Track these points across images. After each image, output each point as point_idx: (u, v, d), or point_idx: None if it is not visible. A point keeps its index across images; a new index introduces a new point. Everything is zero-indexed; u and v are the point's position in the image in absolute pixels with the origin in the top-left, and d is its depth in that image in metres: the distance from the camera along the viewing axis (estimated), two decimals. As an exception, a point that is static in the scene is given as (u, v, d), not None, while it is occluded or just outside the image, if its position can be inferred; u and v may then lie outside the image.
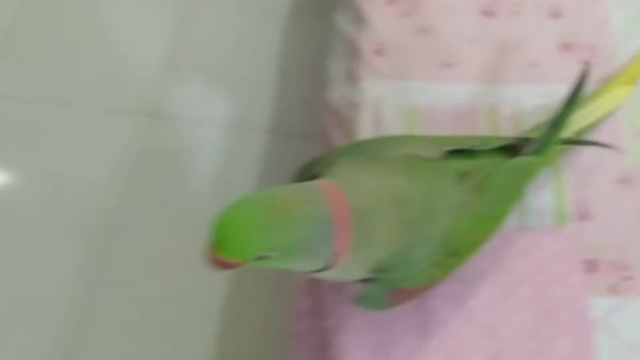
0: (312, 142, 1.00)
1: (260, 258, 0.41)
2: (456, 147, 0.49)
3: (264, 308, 0.89)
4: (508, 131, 0.59)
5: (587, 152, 0.58)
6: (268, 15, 1.15)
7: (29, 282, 0.92)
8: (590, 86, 0.57)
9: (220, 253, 0.40)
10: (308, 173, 0.49)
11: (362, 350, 0.51)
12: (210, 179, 1.00)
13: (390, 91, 0.63)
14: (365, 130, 0.60)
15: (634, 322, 0.51)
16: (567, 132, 0.55)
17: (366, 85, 0.63)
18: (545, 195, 0.57)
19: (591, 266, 0.54)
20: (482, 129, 0.60)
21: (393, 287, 0.45)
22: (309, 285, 0.57)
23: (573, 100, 0.51)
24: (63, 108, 1.08)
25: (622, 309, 0.52)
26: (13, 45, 1.15)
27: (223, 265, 0.41)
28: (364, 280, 0.46)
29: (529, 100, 0.62)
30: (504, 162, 0.50)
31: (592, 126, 0.59)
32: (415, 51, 0.65)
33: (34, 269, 0.92)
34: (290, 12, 1.15)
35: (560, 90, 0.54)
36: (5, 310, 0.89)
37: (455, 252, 0.46)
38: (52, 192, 0.99)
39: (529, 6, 0.68)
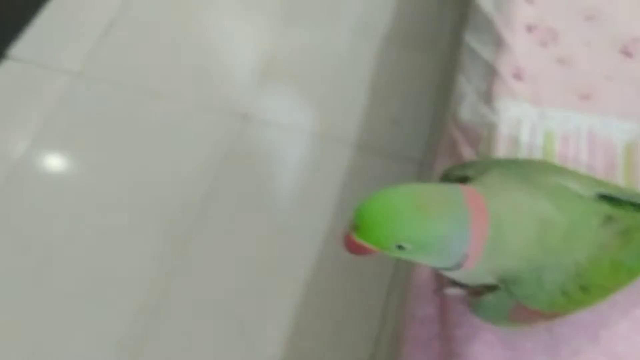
0: (396, 161, 1.02)
1: (396, 248, 0.41)
2: (608, 192, 0.49)
3: (339, 310, 0.89)
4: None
5: None
6: (364, 35, 1.18)
7: (112, 263, 0.93)
8: None
9: (361, 237, 0.41)
10: (455, 175, 0.50)
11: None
12: (293, 185, 1.01)
13: (528, 114, 0.64)
14: (501, 149, 0.61)
15: None
16: None
17: (503, 106, 0.64)
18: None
19: None
20: (619, 163, 0.60)
21: (517, 302, 0.45)
22: (433, 292, 0.57)
23: None
24: (160, 100, 1.11)
25: None
26: (119, 34, 1.20)
27: (360, 249, 0.42)
28: (489, 289, 0.46)
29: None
30: None
31: None
32: (553, 79, 0.66)
33: (118, 251, 0.94)
34: (386, 36, 1.18)
35: None
36: (87, 287, 0.91)
37: (586, 287, 0.46)
38: (143, 178, 1.02)
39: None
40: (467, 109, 0.67)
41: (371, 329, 0.88)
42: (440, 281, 0.56)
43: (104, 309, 0.90)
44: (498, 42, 0.69)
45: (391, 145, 1.04)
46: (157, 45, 1.19)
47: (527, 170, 0.49)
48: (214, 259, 0.94)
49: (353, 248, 0.43)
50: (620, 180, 0.59)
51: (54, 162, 1.07)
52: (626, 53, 0.68)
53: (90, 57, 1.17)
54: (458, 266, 0.44)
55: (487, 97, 0.66)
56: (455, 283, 0.53)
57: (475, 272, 0.44)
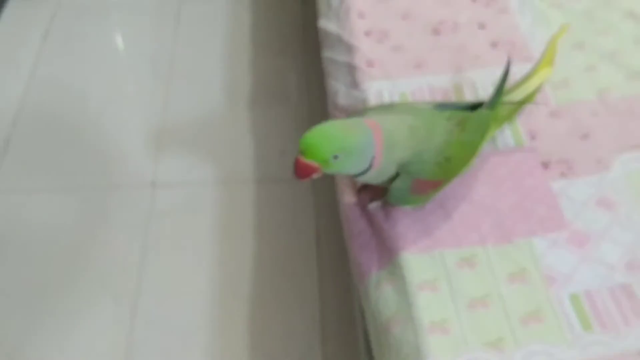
0: (291, 185, 1.24)
1: (332, 160, 0.64)
2: (443, 103, 0.75)
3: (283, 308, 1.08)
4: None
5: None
6: (234, 94, 1.43)
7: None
8: (522, 70, 0.86)
9: (307, 157, 0.63)
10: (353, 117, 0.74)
11: (412, 233, 0.73)
12: (214, 228, 1.21)
13: (385, 87, 0.90)
14: (374, 111, 0.86)
15: (580, 190, 0.77)
16: (514, 99, 0.83)
17: (367, 86, 0.90)
18: (506, 132, 0.84)
19: (545, 164, 0.80)
20: (452, 97, 0.88)
21: (412, 178, 0.68)
22: (360, 214, 0.79)
23: (504, 78, 0.78)
24: (72, 194, 1.28)
25: (571, 184, 0.78)
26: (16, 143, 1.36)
27: (307, 169, 0.64)
28: (393, 182, 0.70)
29: (479, 79, 0.90)
30: (472, 112, 0.76)
31: (531, 96, 0.86)
32: (394, 61, 0.93)
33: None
34: (252, 97, 1.43)
35: (496, 72, 0.82)
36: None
37: (448, 158, 0.70)
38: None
39: (463, 24, 0.98)
40: (343, 97, 0.92)
41: (313, 310, 1.08)
42: (363, 204, 0.79)
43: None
44: (349, 48, 0.96)
45: (284, 172, 1.27)
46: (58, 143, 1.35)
47: (392, 106, 0.74)
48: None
49: (302, 168, 0.64)
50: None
51: None
52: (436, 32, 0.97)
53: None
54: (370, 167, 0.66)
55: (354, 85, 0.91)
56: (367, 192, 0.76)
57: (381, 168, 0.68)
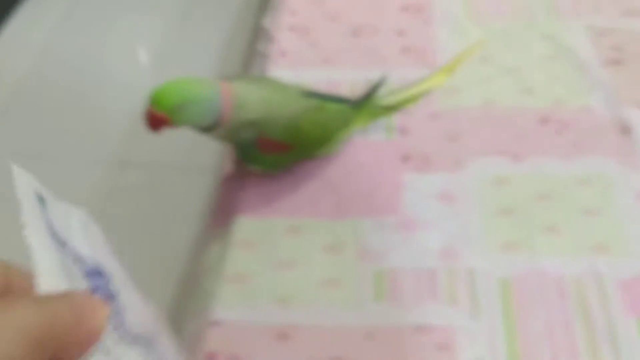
0: None
1: (177, 109, 0.70)
2: (315, 92, 0.81)
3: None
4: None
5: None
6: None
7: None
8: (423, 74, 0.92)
9: (155, 108, 0.70)
10: None
11: (255, 200, 0.79)
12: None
13: (288, 75, 0.96)
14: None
15: (428, 184, 0.81)
16: (394, 100, 0.88)
17: (272, 73, 0.97)
18: (380, 125, 0.88)
19: (405, 158, 0.84)
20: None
21: (259, 133, 0.74)
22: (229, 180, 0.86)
23: (375, 86, 0.84)
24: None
25: (421, 178, 0.82)
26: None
27: (156, 119, 0.70)
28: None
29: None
30: (335, 103, 0.82)
31: (415, 97, 0.91)
32: (304, 55, 1.00)
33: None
34: None
35: (396, 75, 0.88)
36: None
37: (299, 127, 0.76)
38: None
39: (384, 30, 1.03)
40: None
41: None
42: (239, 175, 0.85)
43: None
44: (270, 40, 1.03)
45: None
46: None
47: (260, 79, 0.80)
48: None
49: (151, 119, 0.71)
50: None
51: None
52: (355, 34, 1.03)
53: None
54: (219, 122, 0.72)
55: (262, 72, 0.99)
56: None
57: (231, 127, 0.73)
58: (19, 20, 1.90)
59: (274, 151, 0.77)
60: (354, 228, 0.76)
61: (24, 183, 0.29)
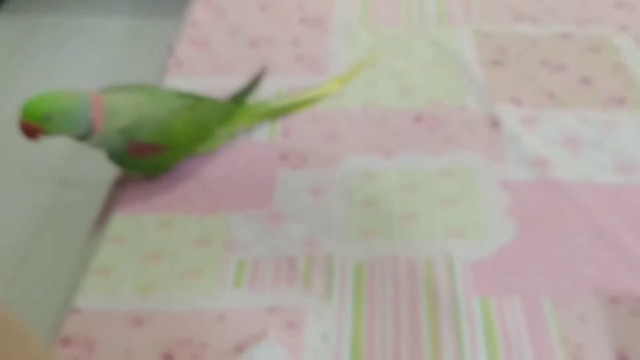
0: None
1: (46, 118, 0.73)
2: (188, 93, 0.85)
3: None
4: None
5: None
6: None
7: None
8: (313, 82, 0.97)
9: (25, 117, 0.74)
10: None
11: (132, 197, 0.83)
12: None
13: (181, 83, 1.01)
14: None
15: (300, 179, 0.85)
16: (281, 104, 0.93)
17: (166, 82, 1.01)
18: (264, 128, 0.93)
19: (284, 156, 0.88)
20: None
21: (129, 138, 0.78)
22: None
23: (253, 82, 0.90)
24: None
25: (295, 174, 0.86)
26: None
27: (27, 127, 0.74)
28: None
29: (269, 85, 1.00)
30: (208, 99, 0.86)
31: (305, 103, 0.95)
32: (201, 64, 1.05)
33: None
34: None
35: (286, 81, 0.93)
36: None
37: (169, 127, 0.80)
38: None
39: (280, 40, 1.08)
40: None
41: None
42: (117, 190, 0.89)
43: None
44: (170, 51, 1.08)
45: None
46: None
47: (131, 87, 0.83)
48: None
49: (24, 128, 0.75)
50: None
51: None
52: (253, 45, 1.08)
53: None
54: (90, 132, 0.77)
55: (159, 82, 1.03)
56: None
57: (104, 136, 0.78)
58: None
59: (147, 154, 0.80)
60: (224, 221, 0.80)
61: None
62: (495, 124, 0.91)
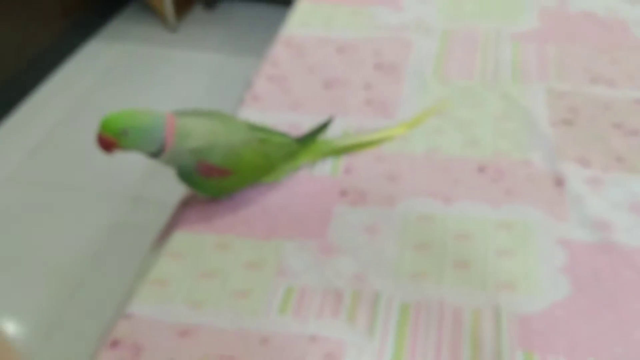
0: None
1: (122, 133, 0.79)
2: (256, 126, 0.89)
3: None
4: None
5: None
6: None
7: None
8: (379, 124, 1.00)
9: (103, 130, 0.79)
10: None
11: (194, 217, 0.86)
12: None
13: (255, 116, 1.05)
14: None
15: (357, 217, 0.86)
16: (346, 143, 0.96)
17: (241, 114, 1.06)
18: (327, 163, 0.95)
19: (344, 193, 0.90)
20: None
21: (198, 159, 0.82)
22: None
23: (321, 128, 0.93)
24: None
25: (353, 211, 0.87)
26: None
27: (104, 141, 0.79)
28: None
29: (339, 124, 1.03)
30: (278, 136, 0.90)
31: (369, 144, 0.98)
32: (275, 100, 1.09)
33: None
34: None
35: (354, 121, 0.95)
36: None
37: (240, 154, 0.83)
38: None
39: (353, 83, 1.12)
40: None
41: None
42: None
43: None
44: (248, 86, 1.13)
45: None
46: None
47: (207, 113, 0.88)
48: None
49: (100, 141, 0.81)
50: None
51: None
52: (327, 86, 1.12)
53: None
54: (162, 148, 0.81)
55: (235, 114, 1.08)
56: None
57: (174, 154, 0.82)
58: (66, 72, 2.09)
59: (214, 176, 0.84)
60: (278, 248, 0.82)
61: None
62: (559, 182, 0.91)
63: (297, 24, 1.30)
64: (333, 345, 0.70)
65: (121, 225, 1.60)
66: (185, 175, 0.83)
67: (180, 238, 0.84)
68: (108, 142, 0.79)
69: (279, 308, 0.75)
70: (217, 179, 0.84)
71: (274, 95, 1.10)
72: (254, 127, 0.88)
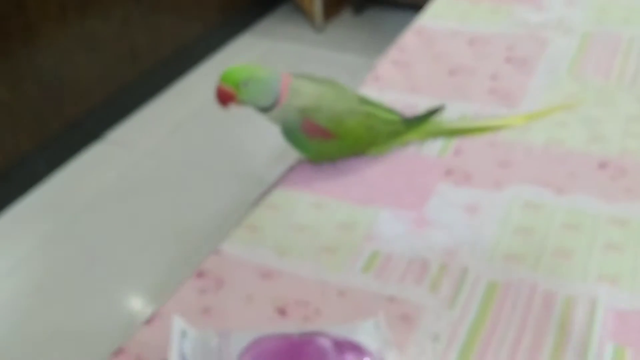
0: None
1: (242, 84, 0.82)
2: (366, 100, 0.89)
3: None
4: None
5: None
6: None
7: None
8: (499, 113, 0.98)
9: (223, 81, 0.83)
10: None
11: (297, 178, 0.88)
12: None
13: (372, 93, 1.05)
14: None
15: (459, 195, 0.84)
16: (460, 125, 0.93)
17: (364, 91, 1.07)
18: (437, 143, 0.93)
19: (448, 172, 0.88)
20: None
21: (304, 117, 0.83)
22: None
23: (433, 112, 0.91)
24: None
25: (454, 190, 0.85)
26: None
27: (223, 93, 0.82)
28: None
29: (453, 109, 1.01)
30: (385, 112, 0.89)
31: (483, 129, 0.95)
32: (395, 81, 1.09)
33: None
34: None
35: (471, 109, 0.93)
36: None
37: (343, 121, 0.84)
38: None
39: (479, 72, 1.09)
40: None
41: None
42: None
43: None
44: (371, 69, 1.14)
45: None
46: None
47: (323, 79, 0.90)
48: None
49: (219, 93, 0.85)
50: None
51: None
52: (452, 73, 1.10)
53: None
54: (275, 103, 0.84)
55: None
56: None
57: (284, 109, 0.85)
58: (215, 61, 2.22)
59: (317, 136, 0.85)
60: (372, 214, 0.81)
61: (176, 323, 0.56)
62: (690, 186, 0.82)
63: (431, 15, 1.30)
64: (410, 307, 0.68)
65: (247, 204, 1.66)
66: (290, 132, 0.85)
67: (279, 193, 0.86)
68: (227, 94, 0.82)
69: (362, 267, 0.74)
70: (320, 140, 0.85)
71: (396, 77, 1.10)
72: (363, 100, 0.88)
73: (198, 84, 2.19)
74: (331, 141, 0.86)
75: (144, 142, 1.94)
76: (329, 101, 0.85)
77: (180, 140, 1.93)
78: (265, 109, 0.84)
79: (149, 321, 0.67)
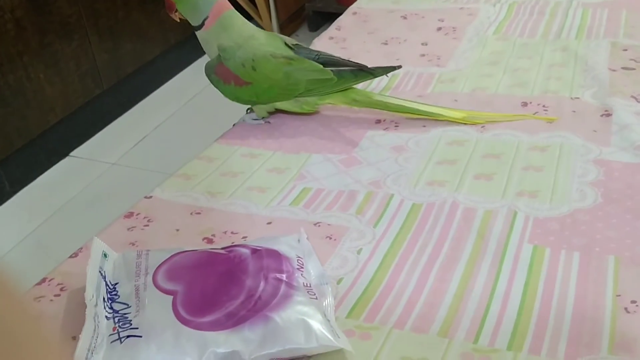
0: None
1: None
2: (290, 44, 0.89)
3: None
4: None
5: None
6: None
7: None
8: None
9: None
10: None
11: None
12: None
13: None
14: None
15: (386, 138, 0.86)
16: (394, 102, 0.89)
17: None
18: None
19: (378, 121, 0.91)
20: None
21: (219, 62, 0.85)
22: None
23: (370, 71, 0.87)
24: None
25: (383, 135, 0.88)
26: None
27: (167, 1, 0.84)
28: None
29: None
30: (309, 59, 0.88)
31: (418, 112, 0.89)
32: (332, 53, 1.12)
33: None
34: None
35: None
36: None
37: (256, 67, 0.84)
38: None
39: (412, 41, 1.13)
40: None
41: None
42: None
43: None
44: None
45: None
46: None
47: (267, 33, 0.91)
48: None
49: (165, 1, 0.85)
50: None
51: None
52: (385, 43, 1.14)
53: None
54: (202, 25, 0.86)
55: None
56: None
57: (208, 37, 0.86)
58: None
59: (230, 82, 0.86)
60: (303, 159, 0.84)
61: (96, 244, 0.61)
62: (607, 114, 0.86)
63: (367, 0, 1.34)
64: (335, 229, 0.70)
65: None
66: (209, 74, 0.87)
67: (216, 147, 0.88)
68: (170, 3, 0.85)
69: (291, 201, 0.76)
70: (234, 85, 0.86)
71: (332, 49, 1.14)
72: (297, 47, 0.88)
73: (162, 101, 2.22)
74: (244, 87, 0.86)
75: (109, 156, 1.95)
76: (253, 42, 0.85)
77: (145, 153, 1.94)
78: (195, 28, 0.87)
79: (73, 255, 0.68)
